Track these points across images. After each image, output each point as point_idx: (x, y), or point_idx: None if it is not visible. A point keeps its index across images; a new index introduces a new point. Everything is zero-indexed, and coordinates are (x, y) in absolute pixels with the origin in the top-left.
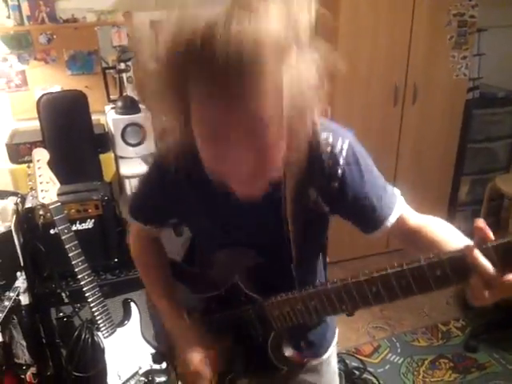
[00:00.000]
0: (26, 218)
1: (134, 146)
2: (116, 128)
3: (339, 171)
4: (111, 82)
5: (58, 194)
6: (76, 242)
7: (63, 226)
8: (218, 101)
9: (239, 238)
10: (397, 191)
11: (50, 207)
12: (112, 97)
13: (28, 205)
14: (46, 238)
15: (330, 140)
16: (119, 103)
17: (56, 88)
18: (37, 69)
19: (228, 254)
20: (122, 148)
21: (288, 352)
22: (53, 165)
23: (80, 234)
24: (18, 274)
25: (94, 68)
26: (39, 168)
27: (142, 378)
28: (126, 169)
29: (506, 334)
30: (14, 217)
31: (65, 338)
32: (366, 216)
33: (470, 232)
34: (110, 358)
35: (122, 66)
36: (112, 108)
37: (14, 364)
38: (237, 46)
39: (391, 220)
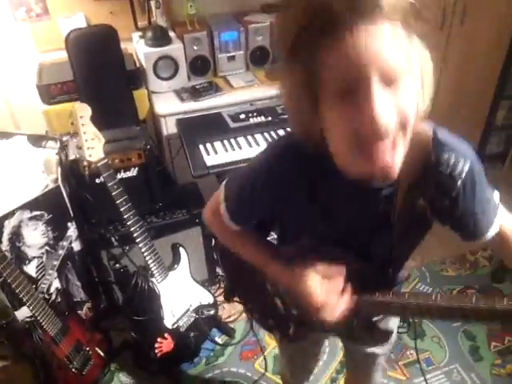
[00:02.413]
0: (72, 170)
1: (166, 79)
2: (148, 62)
3: (454, 192)
4: (137, 7)
5: None
6: (121, 189)
7: (109, 178)
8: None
9: (343, 237)
10: (497, 198)
11: (98, 165)
12: (139, 23)
13: (71, 156)
14: (92, 187)
15: (452, 161)
16: (149, 34)
17: (79, 16)
18: None
19: (323, 253)
20: (154, 82)
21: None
22: (86, 103)
23: (124, 182)
24: (69, 224)
25: None
26: (83, 125)
27: (193, 314)
28: (161, 106)
29: None
30: (59, 169)
31: (122, 285)
32: (468, 228)
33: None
34: (164, 299)
35: None
36: (140, 37)
37: (73, 303)
38: None
39: (490, 233)
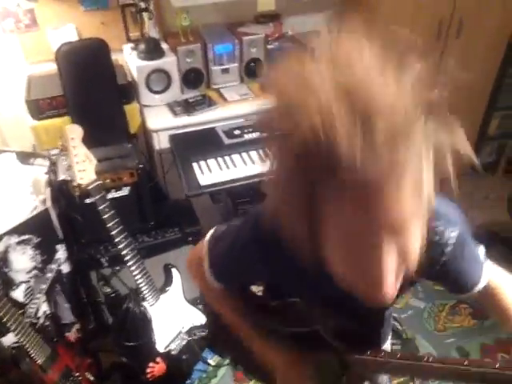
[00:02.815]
0: (61, 191)
1: (159, 93)
2: (140, 75)
3: (443, 259)
4: (129, 18)
5: None
6: (113, 211)
7: (100, 201)
8: (361, 210)
9: (333, 308)
10: (482, 254)
11: (89, 188)
12: (131, 34)
13: (61, 175)
14: (82, 207)
15: (440, 229)
16: (141, 46)
17: (69, 27)
18: (47, 6)
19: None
20: (146, 96)
21: None
22: (77, 121)
23: (115, 201)
24: (58, 246)
25: (110, 3)
26: (74, 147)
27: (186, 336)
28: (154, 121)
29: None
30: (48, 190)
31: (113, 310)
32: (456, 285)
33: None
34: (155, 323)
35: (143, 4)
36: (132, 49)
37: (62, 325)
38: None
39: (478, 288)
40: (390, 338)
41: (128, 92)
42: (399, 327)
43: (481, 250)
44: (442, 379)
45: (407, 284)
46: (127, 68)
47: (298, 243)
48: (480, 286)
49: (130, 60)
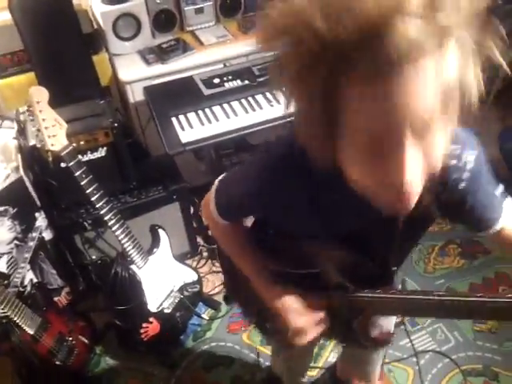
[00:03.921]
0: (34, 157)
1: (128, 39)
2: (106, 21)
3: (461, 185)
4: None
5: None
6: (90, 176)
7: (76, 166)
8: (382, 105)
9: (344, 239)
10: (501, 189)
11: (62, 154)
12: None
13: (31, 141)
14: (57, 172)
15: (457, 152)
16: None
17: None
18: None
19: (318, 246)
20: (115, 44)
21: (374, 333)
22: (42, 77)
23: (92, 163)
24: (37, 214)
25: None
26: (41, 111)
27: (178, 294)
28: (126, 72)
29: None
30: (20, 156)
31: (102, 277)
32: (474, 222)
33: None
34: (146, 285)
35: None
36: None
37: (50, 291)
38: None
39: (498, 225)
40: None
41: (95, 41)
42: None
43: (500, 187)
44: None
45: (426, 219)
46: (92, 14)
47: (316, 153)
48: (500, 224)
49: (94, 6)
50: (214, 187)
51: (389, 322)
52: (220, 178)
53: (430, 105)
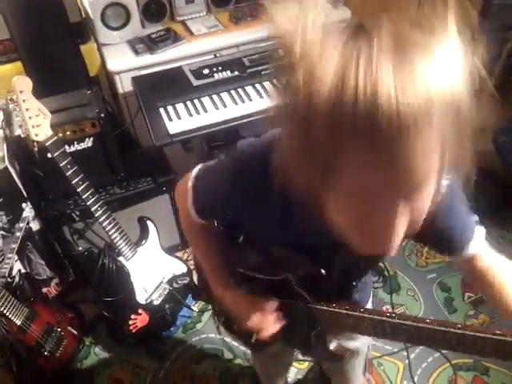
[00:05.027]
0: (19, 147)
1: (117, 29)
2: (94, 10)
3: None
4: None
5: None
6: (76, 167)
7: (61, 157)
8: (382, 172)
9: (309, 255)
10: (475, 219)
11: (47, 144)
12: None
13: (17, 130)
14: (43, 162)
15: None
16: None
17: None
18: None
19: (285, 254)
20: (104, 34)
21: (332, 346)
22: (29, 66)
23: (79, 154)
24: (24, 205)
25: None
26: (25, 101)
27: (167, 286)
28: (114, 62)
29: (506, 214)
30: (5, 146)
31: (90, 268)
32: (443, 245)
33: None
34: (134, 277)
35: None
36: None
37: (39, 281)
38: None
39: (467, 252)
40: (370, 298)
41: (83, 30)
42: (381, 264)
43: (473, 216)
44: (408, 341)
45: None
46: (80, 3)
47: (298, 186)
48: (471, 249)
49: None
50: (191, 180)
51: (348, 339)
52: (197, 168)
53: (430, 166)
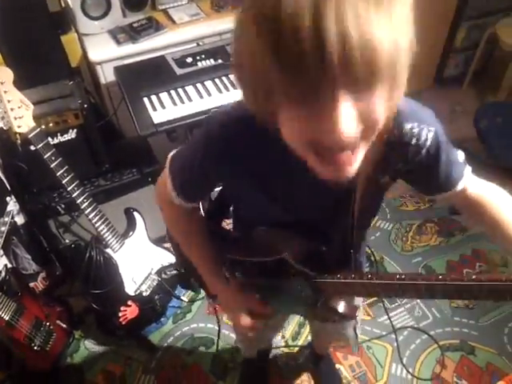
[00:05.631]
0: (1, 140)
1: (98, 18)
2: (74, 0)
3: (418, 158)
4: None
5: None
6: (60, 159)
7: (45, 149)
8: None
9: (298, 218)
10: (462, 158)
11: (30, 136)
12: None
13: None
14: (26, 155)
15: (415, 130)
16: None
17: None
18: None
19: (276, 234)
20: (84, 24)
21: (341, 308)
22: (9, 57)
23: (63, 146)
24: (8, 198)
25: None
26: (6, 92)
27: (156, 277)
28: (96, 52)
29: None
30: None
31: (77, 261)
32: (431, 186)
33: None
34: (122, 268)
35: None
36: None
37: (26, 276)
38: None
39: (455, 190)
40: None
41: (63, 20)
42: (368, 250)
43: (460, 153)
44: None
45: (382, 193)
46: None
47: (262, 123)
48: (461, 185)
49: None
50: (167, 166)
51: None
52: (171, 154)
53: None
